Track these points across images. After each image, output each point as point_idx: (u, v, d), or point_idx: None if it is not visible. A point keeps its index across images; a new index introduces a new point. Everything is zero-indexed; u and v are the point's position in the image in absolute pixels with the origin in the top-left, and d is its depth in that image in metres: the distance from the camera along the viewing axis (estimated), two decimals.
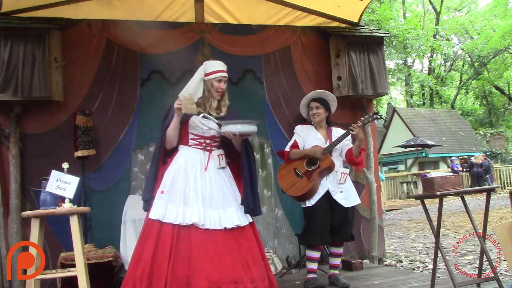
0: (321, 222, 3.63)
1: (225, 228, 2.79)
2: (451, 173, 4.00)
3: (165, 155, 2.94)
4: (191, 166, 2.87)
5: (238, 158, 3.01)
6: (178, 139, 2.92)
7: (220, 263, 2.70)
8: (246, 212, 2.90)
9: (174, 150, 2.95)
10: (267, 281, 2.81)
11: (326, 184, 3.68)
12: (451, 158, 20.20)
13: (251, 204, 2.91)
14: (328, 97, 3.88)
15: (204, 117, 2.88)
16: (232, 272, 2.70)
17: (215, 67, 3.02)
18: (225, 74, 3.03)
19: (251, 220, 2.96)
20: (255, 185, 3.03)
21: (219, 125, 2.85)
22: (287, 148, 3.83)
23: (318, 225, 3.63)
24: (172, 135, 2.87)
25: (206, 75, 2.98)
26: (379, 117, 3.80)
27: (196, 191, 2.81)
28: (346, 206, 3.68)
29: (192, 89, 2.94)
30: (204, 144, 2.94)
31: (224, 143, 3.01)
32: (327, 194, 3.66)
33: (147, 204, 2.85)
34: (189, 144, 2.94)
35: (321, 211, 3.63)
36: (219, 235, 2.77)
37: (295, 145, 3.81)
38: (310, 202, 3.65)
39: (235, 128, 2.81)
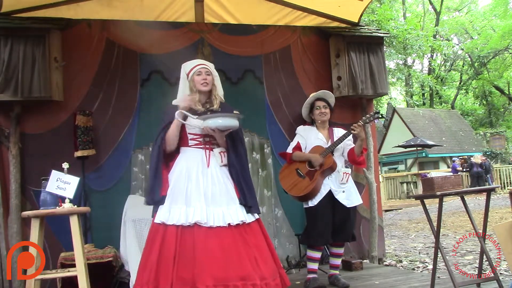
0: (323, 222, 3.62)
1: (229, 224, 2.77)
2: (451, 173, 4.00)
3: (167, 159, 2.94)
4: (192, 166, 2.87)
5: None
6: (178, 142, 2.91)
7: (226, 260, 2.67)
8: (247, 211, 2.87)
9: (176, 152, 2.95)
10: (279, 278, 2.78)
11: (329, 184, 3.67)
12: (453, 158, 20.22)
13: (248, 203, 2.89)
14: (331, 98, 3.89)
15: (183, 115, 2.84)
16: (239, 268, 2.67)
17: (191, 64, 3.03)
18: (204, 66, 3.00)
19: (258, 217, 2.94)
20: (249, 182, 3.00)
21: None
22: (290, 150, 3.83)
23: (320, 225, 3.63)
24: (171, 139, 2.88)
25: (187, 75, 3.00)
26: (380, 116, 3.80)
27: (198, 190, 2.81)
28: (348, 206, 3.68)
29: (181, 92, 2.99)
30: (203, 142, 2.93)
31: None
32: (329, 194, 3.66)
33: (154, 209, 2.85)
34: (189, 144, 2.94)
35: (324, 211, 3.63)
36: (224, 232, 2.75)
37: (298, 147, 3.80)
38: (313, 202, 3.65)
39: (214, 123, 2.76)
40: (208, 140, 2.94)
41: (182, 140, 2.94)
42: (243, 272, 2.67)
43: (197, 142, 2.94)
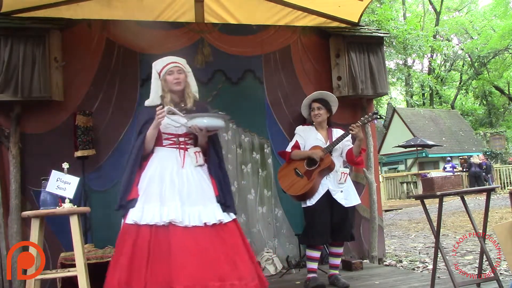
0: (321, 222, 3.63)
1: (205, 224, 2.72)
2: (451, 173, 4.00)
3: (142, 159, 2.89)
4: (166, 166, 2.82)
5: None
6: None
7: (203, 260, 2.61)
8: (223, 210, 2.82)
9: (150, 153, 2.91)
10: (257, 279, 2.73)
11: (327, 184, 3.68)
12: (447, 158, 20.25)
13: (227, 202, 2.85)
14: (330, 98, 3.89)
15: (170, 111, 2.79)
16: (217, 268, 2.62)
17: (163, 62, 2.95)
18: (176, 64, 2.93)
19: (234, 217, 2.89)
20: (227, 182, 2.98)
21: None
22: (289, 149, 3.84)
23: (318, 224, 3.63)
24: (149, 141, 2.84)
25: (159, 74, 2.94)
26: (378, 116, 3.81)
27: (172, 189, 2.75)
28: (346, 206, 3.68)
29: (154, 93, 2.94)
30: (178, 142, 2.88)
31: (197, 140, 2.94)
32: (328, 194, 3.66)
33: (123, 211, 2.79)
34: (164, 144, 2.89)
35: (322, 210, 3.63)
36: (200, 232, 2.69)
37: (296, 146, 3.81)
38: (311, 202, 3.65)
39: (201, 122, 2.74)
40: (182, 140, 2.89)
41: (156, 139, 2.88)
42: (221, 272, 2.61)
43: (172, 142, 2.89)
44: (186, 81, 2.95)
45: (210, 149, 2.94)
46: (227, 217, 2.82)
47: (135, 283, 2.57)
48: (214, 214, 2.77)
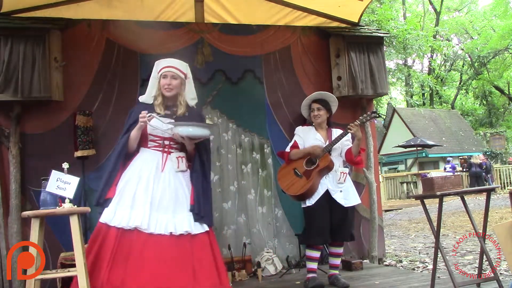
0: (321, 222, 3.63)
1: (171, 233, 2.69)
2: (451, 173, 4.00)
3: (126, 158, 2.89)
4: (146, 168, 2.81)
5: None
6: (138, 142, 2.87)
7: (159, 270, 2.59)
8: (195, 220, 2.77)
9: (135, 152, 2.90)
10: None
11: (326, 184, 3.68)
12: (447, 159, 20.25)
13: (201, 212, 2.78)
14: (330, 98, 3.89)
15: (152, 118, 2.80)
16: (174, 279, 2.59)
17: (162, 64, 2.94)
18: (172, 69, 2.90)
19: (207, 229, 2.82)
20: (208, 192, 2.92)
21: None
22: (288, 149, 3.84)
23: (318, 224, 3.63)
24: (132, 142, 2.85)
25: (158, 73, 2.94)
26: (377, 116, 3.81)
27: (146, 194, 2.73)
28: (345, 206, 3.68)
29: (149, 91, 2.95)
30: (162, 145, 2.87)
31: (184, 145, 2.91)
32: (327, 194, 3.66)
33: (101, 208, 2.80)
34: (149, 146, 2.88)
35: (321, 210, 3.63)
36: (164, 241, 2.67)
37: (295, 146, 3.81)
38: (310, 202, 3.65)
39: (185, 130, 2.71)
40: (167, 143, 2.87)
41: (142, 140, 2.87)
42: (178, 284, 2.59)
43: (156, 144, 2.88)
44: (179, 87, 2.92)
45: (196, 156, 2.91)
46: (198, 228, 2.77)
47: (93, 281, 2.60)
48: (182, 224, 2.73)
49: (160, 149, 2.87)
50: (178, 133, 2.74)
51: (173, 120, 2.84)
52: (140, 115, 2.77)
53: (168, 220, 2.72)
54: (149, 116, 2.78)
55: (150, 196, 2.74)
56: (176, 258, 2.66)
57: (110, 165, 2.88)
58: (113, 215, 2.71)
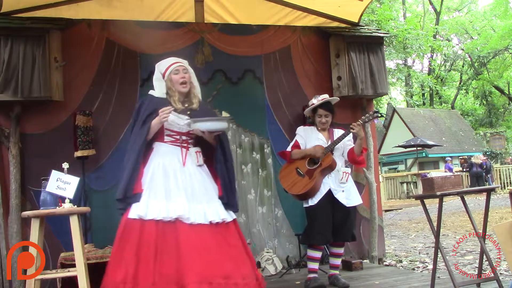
0: (323, 222, 3.62)
1: (210, 222, 2.73)
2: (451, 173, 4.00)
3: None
4: (169, 162, 2.82)
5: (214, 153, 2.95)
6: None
7: (209, 258, 2.63)
8: (226, 208, 2.84)
9: (148, 148, 2.90)
10: (256, 280, 2.75)
11: (328, 183, 3.67)
12: (446, 158, 20.26)
13: (230, 201, 2.87)
14: (333, 101, 3.87)
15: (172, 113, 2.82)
16: (222, 267, 2.63)
17: (166, 63, 2.96)
18: (181, 64, 2.95)
19: (235, 217, 2.91)
20: (233, 181, 2.99)
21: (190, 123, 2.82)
22: (289, 149, 3.83)
23: (320, 224, 3.63)
24: (150, 135, 2.84)
25: (163, 75, 2.94)
26: (379, 115, 3.80)
27: (177, 186, 2.75)
28: (347, 206, 3.67)
29: (158, 88, 2.94)
30: (180, 141, 2.89)
31: (199, 140, 2.94)
32: (329, 193, 3.66)
33: (125, 203, 2.77)
34: (165, 140, 2.89)
35: (323, 210, 3.63)
36: (205, 230, 2.71)
37: (296, 145, 3.81)
38: (313, 201, 3.65)
39: (204, 125, 2.79)
40: (185, 139, 2.90)
41: (158, 135, 2.87)
42: (225, 271, 2.63)
43: (173, 139, 2.89)
44: (190, 81, 2.97)
45: (217, 147, 2.95)
46: (229, 217, 2.84)
47: (142, 278, 2.56)
48: (217, 213, 2.79)
49: (178, 144, 2.89)
50: (199, 129, 2.79)
51: (189, 114, 2.87)
52: (163, 111, 2.76)
53: (204, 209, 2.75)
54: (168, 112, 2.80)
55: (182, 188, 2.75)
56: (219, 245, 2.71)
57: (132, 158, 2.80)
58: (147, 209, 2.68)
